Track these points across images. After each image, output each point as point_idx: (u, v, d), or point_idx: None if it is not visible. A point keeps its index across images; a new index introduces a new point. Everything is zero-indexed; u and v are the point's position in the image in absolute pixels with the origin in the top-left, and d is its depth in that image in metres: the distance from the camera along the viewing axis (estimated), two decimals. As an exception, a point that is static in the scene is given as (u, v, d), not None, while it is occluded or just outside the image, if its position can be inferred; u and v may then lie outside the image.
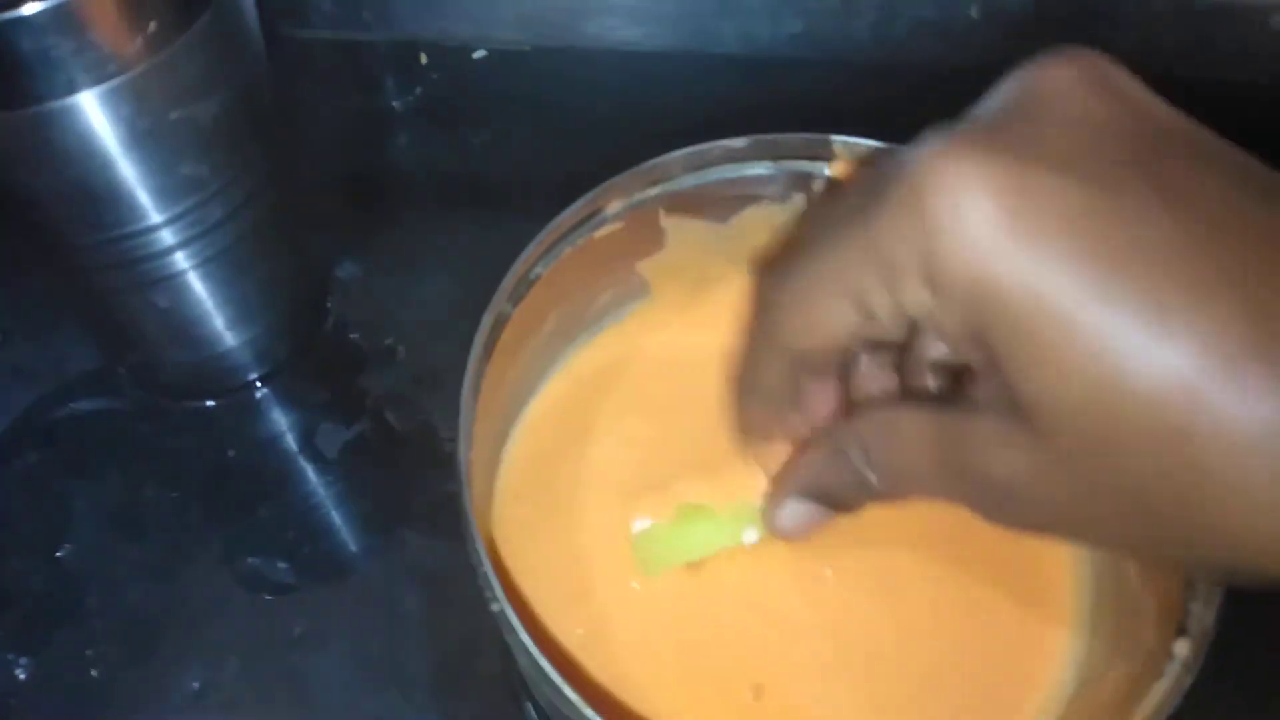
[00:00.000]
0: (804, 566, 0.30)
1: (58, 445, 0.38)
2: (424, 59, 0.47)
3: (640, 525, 0.30)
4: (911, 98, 0.42)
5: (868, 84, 0.42)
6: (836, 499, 0.25)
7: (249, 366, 0.38)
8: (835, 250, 0.20)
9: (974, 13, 0.38)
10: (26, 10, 0.23)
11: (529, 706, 0.33)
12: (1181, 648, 0.24)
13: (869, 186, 0.20)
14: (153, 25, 0.25)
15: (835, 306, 0.21)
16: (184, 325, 0.35)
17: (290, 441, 0.38)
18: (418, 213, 0.44)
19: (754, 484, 0.29)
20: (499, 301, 0.29)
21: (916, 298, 0.19)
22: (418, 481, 0.37)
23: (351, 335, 0.41)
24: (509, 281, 0.30)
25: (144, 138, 0.27)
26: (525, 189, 0.44)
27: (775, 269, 0.24)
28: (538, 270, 0.31)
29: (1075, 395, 0.17)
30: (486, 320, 0.28)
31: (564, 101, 0.46)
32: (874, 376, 0.26)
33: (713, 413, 0.34)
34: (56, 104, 0.25)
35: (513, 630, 0.23)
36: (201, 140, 0.28)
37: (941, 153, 0.18)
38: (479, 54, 0.47)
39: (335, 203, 0.44)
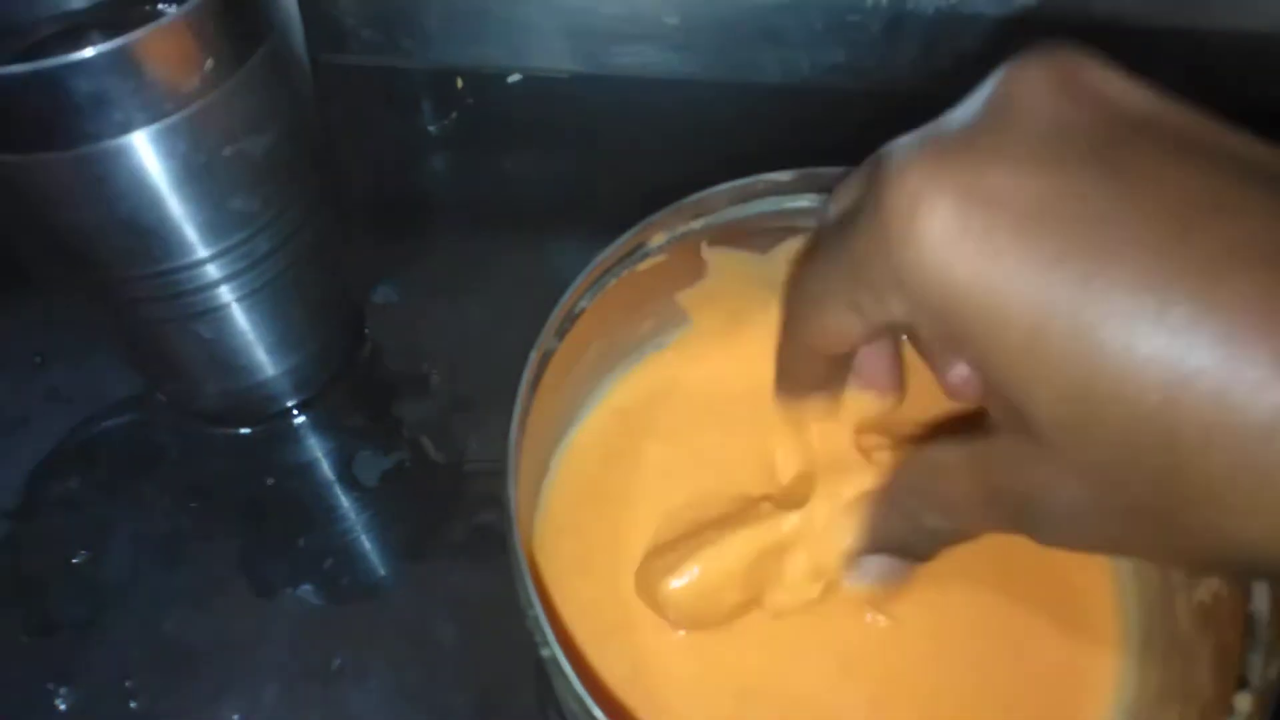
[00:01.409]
0: (850, 606, 0.30)
1: (97, 470, 0.38)
2: (460, 84, 0.47)
3: (676, 583, 0.30)
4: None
5: (909, 115, 0.41)
6: (909, 549, 0.25)
7: (288, 394, 0.38)
8: (830, 265, 0.21)
9: (1017, 43, 0.38)
10: (85, 54, 0.23)
11: (568, 742, 0.32)
12: (1242, 702, 0.23)
13: (855, 197, 0.21)
14: (209, 63, 0.25)
15: (840, 315, 0.22)
16: (226, 355, 0.35)
17: (329, 469, 0.38)
18: (453, 238, 0.45)
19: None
20: (546, 337, 0.29)
21: (899, 310, 0.20)
22: (455, 511, 0.37)
23: (388, 362, 0.41)
24: (556, 317, 0.29)
25: (197, 174, 0.27)
26: (561, 215, 0.44)
27: (795, 276, 0.25)
28: (582, 304, 0.31)
29: (1056, 399, 0.17)
30: (534, 356, 0.28)
31: (600, 128, 0.46)
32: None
33: (754, 440, 0.34)
34: (111, 143, 0.25)
35: (563, 676, 0.23)
36: (253, 174, 0.28)
37: (903, 164, 0.18)
38: (514, 78, 0.47)
39: (371, 228, 0.44)
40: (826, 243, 0.22)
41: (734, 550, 0.28)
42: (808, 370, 0.26)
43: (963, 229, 0.17)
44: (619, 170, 0.45)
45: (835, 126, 0.41)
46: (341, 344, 0.40)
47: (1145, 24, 0.39)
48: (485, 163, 0.47)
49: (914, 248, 0.18)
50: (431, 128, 0.47)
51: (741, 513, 0.30)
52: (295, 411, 0.39)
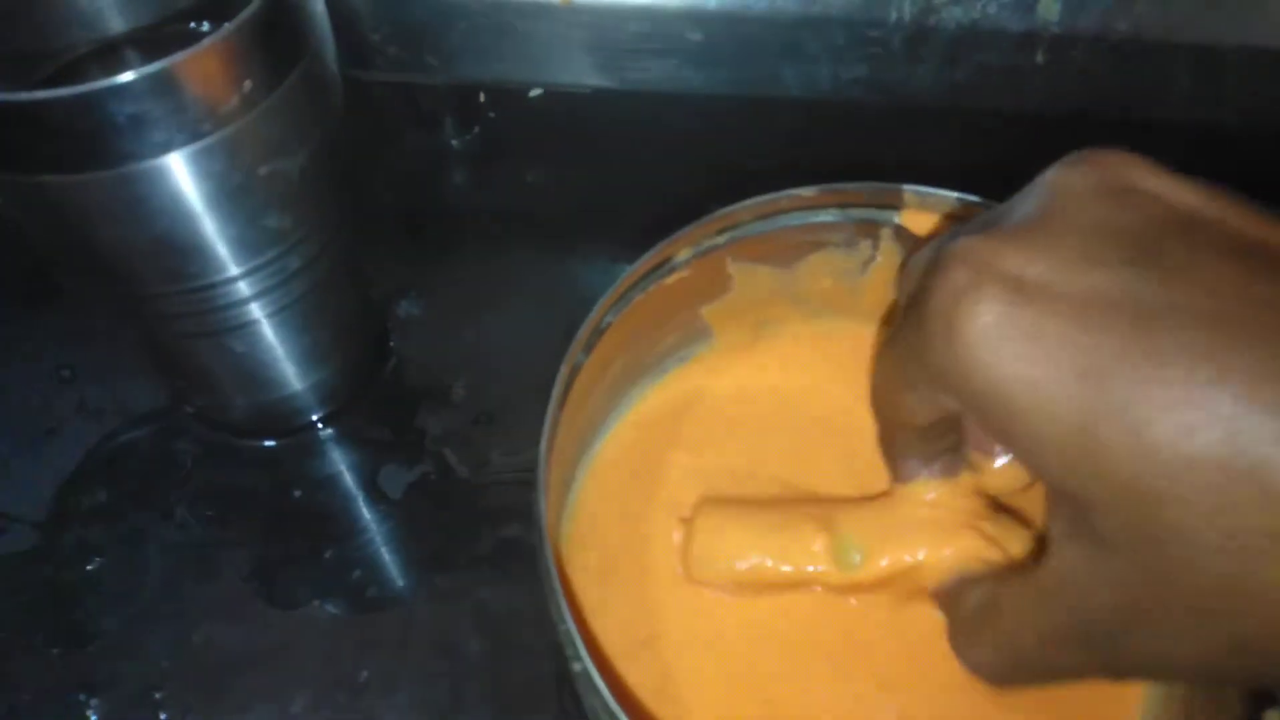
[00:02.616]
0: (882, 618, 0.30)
1: (125, 482, 0.38)
2: (482, 98, 0.47)
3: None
4: (975, 143, 0.43)
5: (931, 129, 0.42)
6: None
7: (313, 407, 0.39)
8: (895, 347, 0.22)
9: (1039, 58, 0.38)
10: (127, 77, 0.23)
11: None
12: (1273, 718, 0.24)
13: (917, 280, 0.21)
14: (248, 84, 0.25)
15: (907, 395, 0.22)
16: (254, 369, 0.35)
17: (354, 482, 0.38)
18: (476, 252, 0.45)
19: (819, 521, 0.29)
20: (574, 352, 0.29)
21: (949, 401, 0.20)
22: (479, 523, 0.37)
23: (412, 375, 0.41)
24: (584, 331, 0.30)
25: (233, 192, 0.27)
26: (583, 229, 0.45)
27: (877, 350, 0.26)
28: (609, 319, 0.31)
29: (1112, 499, 0.17)
30: (563, 372, 0.29)
31: (622, 143, 0.46)
32: None
33: (776, 451, 0.34)
34: (151, 163, 0.26)
35: (595, 690, 0.23)
36: (287, 192, 0.29)
37: (952, 256, 0.19)
38: (535, 93, 0.48)
39: (395, 243, 0.45)
40: (899, 322, 0.23)
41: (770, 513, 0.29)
42: (903, 443, 0.26)
43: (1009, 326, 0.18)
44: (641, 185, 0.45)
45: (857, 141, 0.42)
46: (367, 358, 0.41)
47: (1164, 39, 0.39)
48: (507, 177, 0.47)
49: (957, 344, 0.18)
50: (454, 142, 0.48)
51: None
52: (321, 425, 0.40)
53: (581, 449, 0.34)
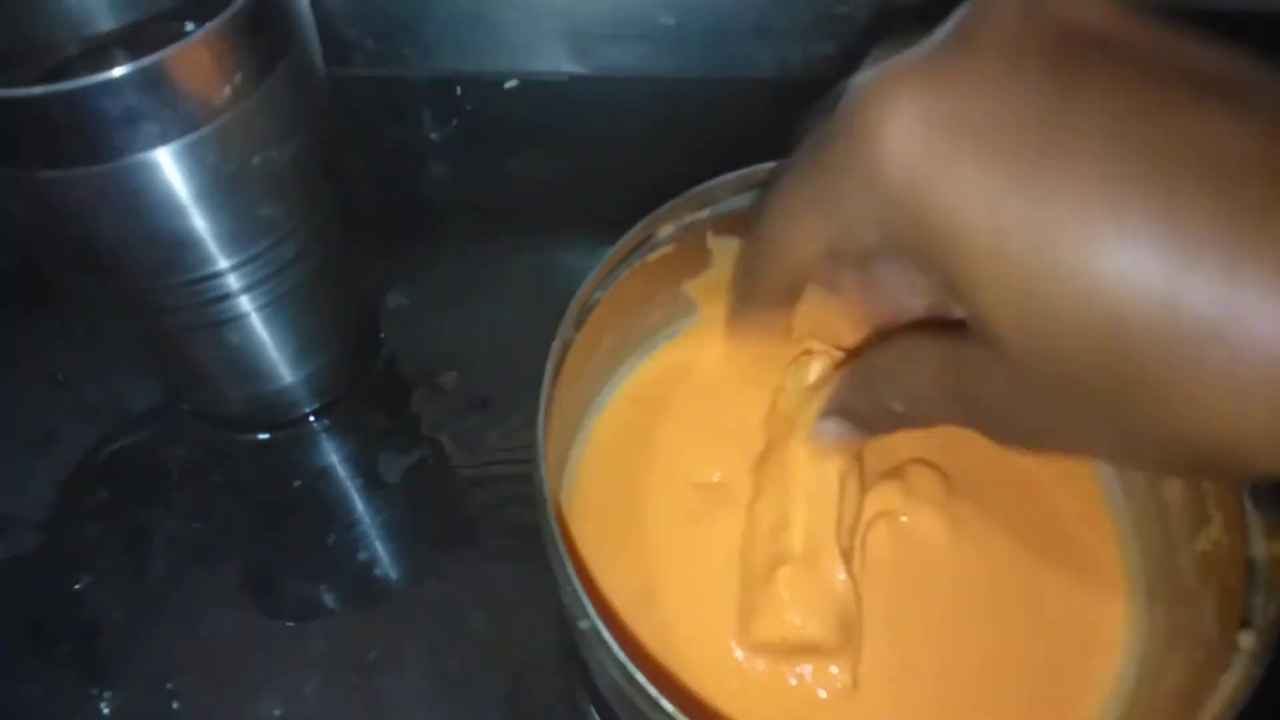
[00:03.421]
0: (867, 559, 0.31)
1: (126, 481, 0.39)
2: (459, 91, 0.48)
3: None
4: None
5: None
6: (867, 422, 0.27)
7: (309, 399, 0.40)
8: (804, 185, 0.22)
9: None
10: (115, 73, 0.24)
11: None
12: (1246, 640, 0.25)
13: (826, 125, 0.21)
14: (236, 77, 0.26)
15: (814, 226, 0.22)
16: (248, 362, 0.36)
17: (353, 470, 0.39)
18: (461, 241, 0.46)
19: (804, 489, 0.30)
20: (565, 328, 0.30)
21: (871, 228, 0.20)
22: (478, 504, 0.38)
23: (404, 364, 0.42)
24: (573, 308, 0.30)
25: (225, 185, 0.28)
26: (565, 214, 0.46)
27: (766, 197, 0.25)
28: (596, 295, 0.32)
29: (1017, 315, 0.18)
30: (555, 347, 0.29)
31: (599, 128, 0.47)
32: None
33: (761, 409, 0.35)
34: (142, 157, 0.26)
35: (604, 645, 0.24)
36: (278, 184, 0.30)
37: (869, 88, 0.19)
38: (510, 84, 0.49)
39: (382, 235, 0.45)
40: (799, 166, 0.23)
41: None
42: (769, 289, 0.26)
43: (925, 150, 0.18)
44: (620, 168, 0.46)
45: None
46: (360, 349, 0.41)
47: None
48: (488, 166, 0.48)
49: (880, 166, 0.19)
50: (433, 135, 0.48)
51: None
52: (316, 416, 0.40)
53: (575, 426, 0.35)
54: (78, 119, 0.24)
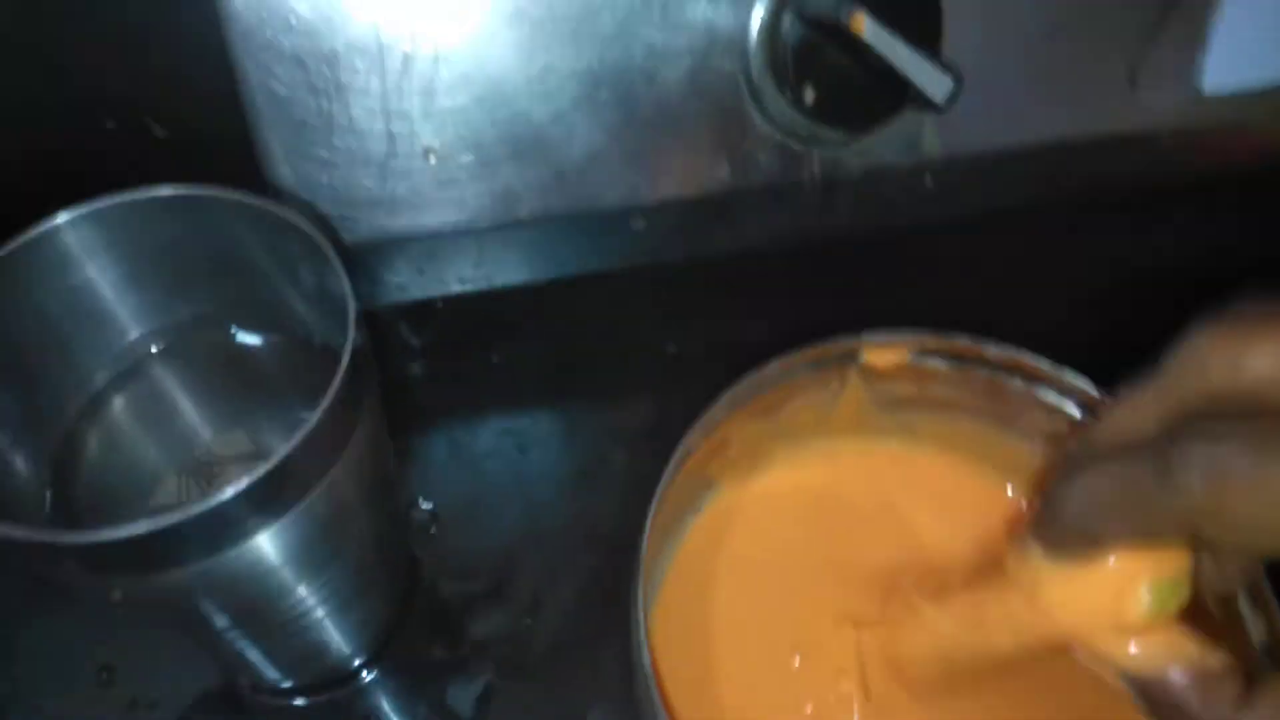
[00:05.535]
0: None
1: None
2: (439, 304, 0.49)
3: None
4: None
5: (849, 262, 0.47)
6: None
7: (359, 653, 0.41)
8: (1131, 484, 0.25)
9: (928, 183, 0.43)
10: (226, 495, 0.25)
11: None
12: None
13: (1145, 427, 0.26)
14: (319, 462, 0.27)
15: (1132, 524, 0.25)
16: (306, 650, 0.37)
17: (425, 710, 0.40)
18: (460, 438, 0.47)
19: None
20: (649, 541, 0.33)
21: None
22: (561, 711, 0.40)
23: (445, 586, 0.43)
24: (652, 512, 0.33)
25: (309, 544, 0.29)
26: (555, 396, 0.48)
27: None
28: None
29: None
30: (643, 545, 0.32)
31: (567, 326, 0.49)
32: None
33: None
34: (237, 549, 0.27)
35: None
36: (344, 519, 0.31)
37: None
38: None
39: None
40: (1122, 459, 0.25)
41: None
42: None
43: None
44: (600, 355, 0.48)
45: (795, 285, 0.46)
46: (404, 588, 0.42)
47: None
48: (472, 362, 0.49)
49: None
50: (414, 341, 0.50)
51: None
52: (367, 669, 0.41)
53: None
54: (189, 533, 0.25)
